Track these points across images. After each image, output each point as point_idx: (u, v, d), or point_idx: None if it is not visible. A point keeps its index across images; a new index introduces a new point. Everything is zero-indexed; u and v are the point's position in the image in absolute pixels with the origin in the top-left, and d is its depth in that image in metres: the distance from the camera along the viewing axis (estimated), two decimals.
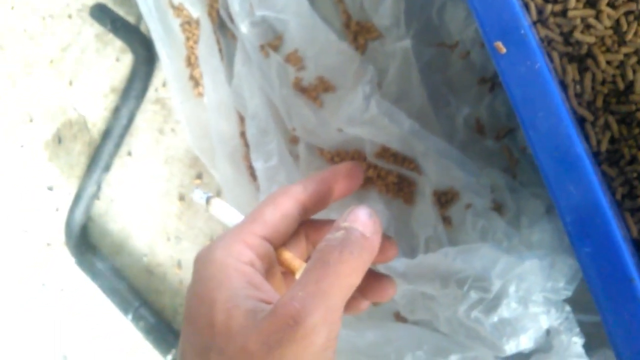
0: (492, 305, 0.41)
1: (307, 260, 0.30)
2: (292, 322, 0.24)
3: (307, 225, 0.35)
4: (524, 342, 0.41)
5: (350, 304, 0.34)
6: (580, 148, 0.33)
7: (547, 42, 0.43)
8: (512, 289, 0.41)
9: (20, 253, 0.86)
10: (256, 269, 0.29)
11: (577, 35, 0.41)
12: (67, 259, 0.80)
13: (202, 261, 0.29)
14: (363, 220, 0.28)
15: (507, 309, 0.41)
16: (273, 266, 0.31)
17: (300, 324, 0.24)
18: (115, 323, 0.77)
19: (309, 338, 0.24)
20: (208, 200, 0.34)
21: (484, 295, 0.41)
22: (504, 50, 0.36)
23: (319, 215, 0.35)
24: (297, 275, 0.30)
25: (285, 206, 0.31)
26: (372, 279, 0.34)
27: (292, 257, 0.32)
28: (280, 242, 0.32)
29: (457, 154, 0.49)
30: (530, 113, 0.34)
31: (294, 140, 0.60)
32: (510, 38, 0.35)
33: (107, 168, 0.75)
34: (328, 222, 0.34)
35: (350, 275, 0.26)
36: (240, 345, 0.25)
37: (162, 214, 0.72)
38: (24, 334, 0.86)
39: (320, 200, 0.33)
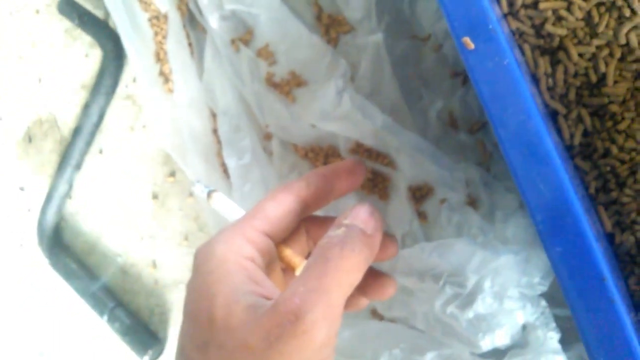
0: (468, 300, 0.41)
1: (307, 256, 0.30)
2: (293, 317, 0.24)
3: (308, 221, 0.34)
4: (500, 337, 0.41)
5: (349, 302, 0.33)
6: (550, 145, 0.32)
7: (519, 35, 0.42)
8: (487, 284, 0.41)
9: None
10: (257, 264, 0.29)
11: (549, 27, 0.41)
12: (40, 260, 0.79)
13: (202, 256, 0.29)
14: (364, 218, 0.28)
15: (482, 305, 0.41)
16: (274, 262, 0.31)
17: (300, 319, 0.24)
18: (91, 323, 0.75)
19: (309, 334, 0.24)
20: (209, 194, 0.34)
21: (459, 291, 0.41)
22: (472, 46, 0.35)
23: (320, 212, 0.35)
24: (298, 272, 0.30)
25: (286, 202, 0.31)
26: (373, 277, 0.34)
27: (292, 253, 0.32)
28: (281, 238, 0.32)
29: (431, 149, 0.48)
30: (499, 110, 0.34)
31: (267, 137, 0.59)
32: (478, 33, 0.35)
33: (78, 166, 0.74)
34: (329, 219, 0.34)
35: (351, 272, 0.26)
36: (240, 340, 0.25)
37: (136, 212, 0.71)
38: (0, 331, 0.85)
39: (322, 197, 0.33)
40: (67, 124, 0.76)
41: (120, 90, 0.72)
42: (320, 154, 0.55)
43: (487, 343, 0.41)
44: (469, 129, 0.52)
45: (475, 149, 0.52)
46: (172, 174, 0.69)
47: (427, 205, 0.49)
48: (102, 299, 0.70)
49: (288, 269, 0.32)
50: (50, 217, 0.75)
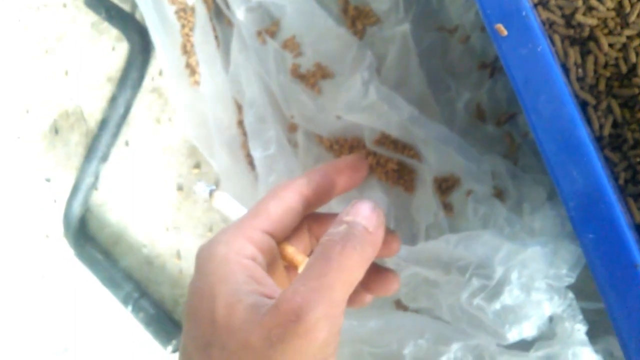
0: (495, 292, 0.41)
1: (310, 254, 0.30)
2: (295, 317, 0.24)
3: (310, 218, 0.34)
4: (527, 329, 0.41)
5: (353, 298, 0.33)
6: (583, 132, 0.32)
7: (549, 25, 0.42)
8: (514, 276, 0.41)
9: (18, 245, 0.86)
10: (258, 263, 0.29)
11: (579, 17, 0.40)
12: (66, 251, 0.80)
13: (203, 256, 0.29)
14: (366, 214, 0.28)
15: (509, 296, 0.41)
16: (275, 260, 0.31)
17: (302, 318, 0.24)
18: (115, 314, 0.76)
19: (311, 333, 0.24)
20: (211, 193, 0.34)
21: (486, 283, 0.41)
22: (505, 33, 0.35)
23: (322, 209, 0.35)
24: (300, 270, 0.30)
25: (288, 200, 0.31)
26: (376, 272, 0.34)
27: (294, 251, 0.31)
28: (283, 236, 0.31)
29: (458, 140, 0.48)
30: (532, 97, 0.33)
31: (292, 128, 0.59)
32: (511, 20, 0.35)
33: (104, 158, 0.75)
34: (331, 216, 0.34)
35: (353, 269, 0.26)
36: (242, 341, 0.25)
37: (161, 204, 0.72)
38: (24, 326, 0.86)
39: (324, 193, 0.32)
40: (94, 117, 0.78)
41: (147, 83, 0.73)
42: (345, 145, 0.55)
43: (514, 334, 0.41)
44: (497, 120, 0.52)
45: (503, 141, 0.51)
46: (197, 165, 0.69)
47: (453, 197, 0.49)
48: (127, 289, 0.71)
49: (290, 267, 0.32)
50: (76, 209, 0.76)
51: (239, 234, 0.29)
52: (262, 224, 0.30)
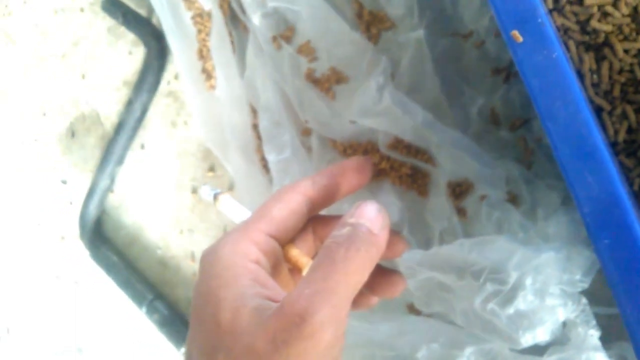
0: (509, 297, 0.41)
1: (314, 256, 0.30)
2: (299, 320, 0.24)
3: (315, 220, 0.34)
4: (541, 334, 0.41)
5: (359, 300, 0.34)
6: (598, 138, 0.32)
7: (564, 31, 0.42)
8: (528, 281, 0.41)
9: (34, 246, 0.87)
10: (262, 266, 0.29)
11: (594, 23, 0.41)
12: (81, 252, 0.81)
13: (208, 260, 0.29)
14: (370, 216, 0.28)
15: (523, 301, 0.41)
16: (280, 263, 0.31)
17: (307, 321, 0.24)
18: (129, 315, 0.77)
19: (315, 336, 0.24)
20: (216, 196, 0.35)
21: (500, 288, 0.41)
22: (520, 39, 0.35)
23: (328, 211, 0.35)
24: (304, 272, 0.30)
25: (292, 202, 0.31)
26: (381, 274, 0.34)
27: (299, 253, 0.31)
28: (287, 239, 0.31)
29: (472, 145, 0.48)
30: (548, 103, 0.34)
31: (306, 132, 0.60)
32: (526, 27, 0.35)
33: (120, 161, 0.76)
34: (336, 218, 0.34)
35: (357, 272, 0.26)
36: (247, 345, 0.25)
37: (175, 206, 0.72)
38: (39, 326, 0.87)
39: (329, 195, 0.32)
40: (110, 120, 0.79)
41: (163, 86, 0.74)
42: (358, 149, 0.56)
43: (527, 339, 0.41)
44: (511, 125, 0.52)
45: (517, 146, 0.51)
46: (212, 168, 0.70)
47: (466, 202, 0.50)
48: (142, 290, 0.72)
49: (295, 269, 0.32)
50: (92, 211, 0.77)
51: (243, 237, 0.29)
52: (266, 227, 0.30)
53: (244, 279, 0.27)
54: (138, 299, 0.72)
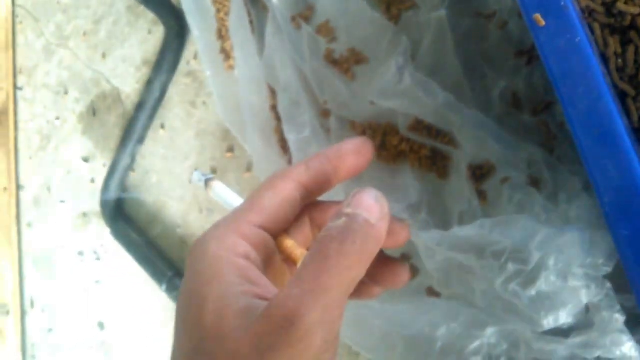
0: (531, 278, 0.40)
1: (310, 247, 0.28)
2: (287, 323, 0.22)
3: (312, 207, 0.32)
4: (563, 316, 0.40)
5: (361, 290, 0.31)
6: (621, 126, 0.32)
7: (588, 13, 0.41)
8: (551, 261, 0.40)
9: (56, 222, 0.89)
10: (252, 261, 0.27)
11: (620, 5, 0.40)
12: (102, 230, 0.82)
13: (194, 254, 0.27)
14: (368, 205, 0.25)
15: (545, 282, 0.40)
16: (273, 256, 0.29)
17: (294, 325, 0.22)
18: (149, 292, 0.78)
19: (304, 341, 0.22)
20: (207, 182, 0.33)
21: (522, 268, 0.40)
22: (542, 22, 0.34)
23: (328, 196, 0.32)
24: (299, 265, 0.29)
25: (285, 191, 0.29)
26: (383, 263, 0.31)
27: (293, 245, 0.29)
28: (280, 229, 0.29)
29: (494, 127, 0.48)
30: (570, 89, 0.33)
31: (325, 114, 0.59)
32: (549, 10, 0.34)
33: (140, 140, 0.76)
34: (335, 204, 0.32)
35: (352, 268, 0.24)
36: (231, 350, 0.23)
37: (195, 186, 0.73)
38: (61, 302, 0.89)
39: (325, 181, 0.30)
40: (130, 99, 0.79)
41: (182, 66, 0.74)
42: (378, 131, 0.56)
43: (549, 322, 0.41)
44: (533, 109, 0.51)
45: (539, 131, 0.51)
46: (231, 149, 0.70)
47: (487, 185, 0.49)
48: (162, 268, 0.73)
49: (290, 261, 0.30)
50: (113, 189, 0.78)
51: (231, 230, 0.27)
52: (256, 218, 0.28)
53: (231, 276, 0.25)
54: (158, 276, 0.74)
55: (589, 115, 0.32)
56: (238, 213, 0.28)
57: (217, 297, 0.24)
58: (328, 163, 0.30)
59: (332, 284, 0.23)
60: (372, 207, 0.25)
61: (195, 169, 0.33)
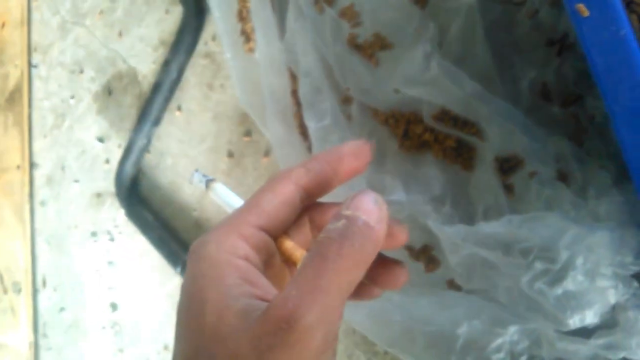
0: (558, 277, 0.40)
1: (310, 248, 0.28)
2: (285, 325, 0.22)
3: (312, 209, 0.32)
4: (589, 316, 0.40)
5: (361, 291, 0.32)
6: None
7: (627, 4, 0.40)
8: (579, 261, 0.39)
9: (70, 202, 0.88)
10: (252, 263, 0.27)
11: None
12: (116, 210, 0.82)
13: (194, 256, 0.27)
14: (367, 208, 0.25)
15: (572, 282, 0.39)
16: (273, 258, 0.29)
17: (293, 326, 0.22)
18: (163, 274, 0.78)
19: (303, 342, 0.22)
20: (208, 184, 0.33)
21: (549, 267, 0.40)
22: (586, 13, 0.33)
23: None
24: (299, 266, 0.27)
25: (284, 192, 0.29)
26: (383, 265, 0.31)
27: (293, 246, 0.30)
28: (280, 231, 0.29)
29: (523, 119, 0.47)
30: (613, 83, 0.32)
31: (346, 100, 0.58)
32: (593, 0, 0.33)
33: (156, 122, 0.75)
34: (334, 205, 0.32)
35: (351, 270, 0.24)
36: (231, 350, 0.23)
37: (211, 169, 0.72)
38: (74, 282, 0.89)
39: (324, 183, 0.30)
40: (147, 79, 0.78)
41: (200, 47, 0.73)
42: (401, 120, 0.54)
43: (575, 321, 0.40)
44: (562, 101, 0.50)
45: (568, 123, 0.49)
46: (248, 133, 0.69)
47: (514, 178, 0.48)
48: (176, 250, 0.73)
49: (289, 263, 0.30)
50: (129, 170, 0.77)
51: (231, 231, 0.27)
52: (256, 219, 0.28)
53: (231, 278, 0.25)
54: (173, 258, 0.73)
55: (633, 110, 0.31)
56: (238, 215, 0.28)
57: (217, 299, 0.25)
58: (327, 165, 0.30)
59: (331, 285, 0.23)
60: (371, 209, 0.25)
61: (195, 170, 0.33)
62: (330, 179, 0.30)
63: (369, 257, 0.25)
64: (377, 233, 0.25)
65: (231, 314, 0.24)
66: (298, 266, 0.27)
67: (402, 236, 0.31)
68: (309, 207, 0.31)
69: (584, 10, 0.33)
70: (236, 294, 0.25)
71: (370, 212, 0.25)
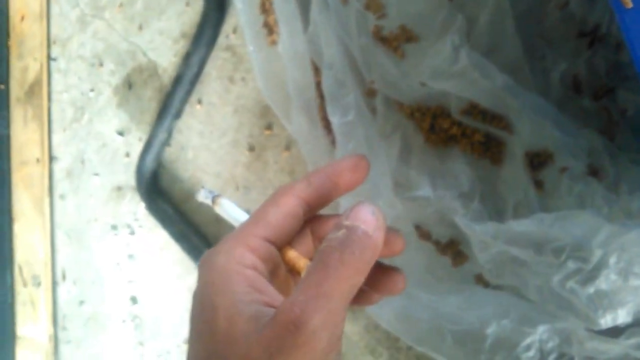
0: (590, 276, 0.39)
1: (312, 258, 0.29)
2: (293, 327, 0.24)
3: (313, 221, 0.34)
4: (622, 316, 0.39)
5: (361, 297, 0.33)
6: None
7: None
8: (612, 259, 0.39)
9: (90, 195, 0.89)
10: (259, 272, 0.28)
11: None
12: (137, 204, 0.82)
13: (205, 266, 0.28)
14: (365, 218, 0.27)
15: (605, 281, 0.39)
16: (278, 267, 0.31)
17: (300, 329, 0.24)
18: (184, 268, 0.78)
19: (310, 343, 0.24)
20: (214, 199, 0.34)
21: (582, 266, 0.39)
22: (630, 4, 0.32)
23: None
24: (303, 275, 0.29)
25: (288, 205, 0.30)
26: (381, 272, 0.33)
27: (297, 256, 0.31)
28: (284, 242, 0.31)
29: (554, 112, 0.45)
30: None
31: (371, 93, 0.57)
32: None
33: (177, 115, 0.75)
34: (333, 217, 0.34)
35: (352, 276, 0.26)
36: (242, 354, 0.25)
37: (232, 163, 0.72)
38: (93, 275, 0.89)
39: (325, 196, 0.32)
40: (167, 73, 0.78)
41: (221, 40, 0.72)
42: (427, 114, 0.53)
43: (607, 320, 0.39)
44: (594, 94, 0.49)
45: (599, 117, 0.48)
46: (270, 127, 0.69)
47: (544, 174, 0.47)
48: (197, 244, 0.72)
49: (294, 272, 0.32)
50: (149, 163, 0.77)
51: (239, 242, 0.28)
52: (262, 231, 0.29)
53: (240, 286, 0.27)
54: (194, 252, 0.73)
55: None
56: (245, 227, 0.30)
57: (228, 306, 0.26)
58: (327, 179, 0.32)
59: (334, 290, 0.25)
60: (369, 219, 0.27)
61: (202, 187, 0.34)
62: (331, 192, 0.32)
63: (369, 264, 0.26)
64: (376, 241, 0.27)
65: (242, 320, 0.25)
66: (302, 274, 0.30)
67: (399, 243, 0.32)
68: (310, 219, 0.33)
69: (627, 1, 0.32)
70: (246, 301, 0.26)
71: (369, 222, 0.27)
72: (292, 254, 0.31)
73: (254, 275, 0.28)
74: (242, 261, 0.28)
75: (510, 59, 0.48)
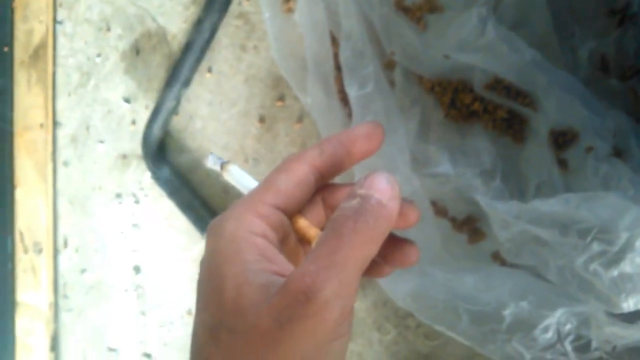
0: (615, 259, 0.38)
1: (324, 227, 0.28)
2: (304, 297, 0.23)
3: (325, 189, 0.33)
4: None
5: (372, 269, 0.33)
6: None
7: None
8: (638, 243, 0.38)
9: (94, 163, 0.87)
10: (269, 240, 0.28)
11: None
12: (142, 172, 0.81)
13: (213, 233, 0.28)
14: (380, 187, 0.26)
15: (630, 264, 0.38)
16: (288, 236, 0.30)
17: (311, 299, 0.23)
18: (189, 238, 0.77)
19: (321, 314, 0.23)
20: (223, 166, 0.33)
21: (607, 248, 0.38)
22: None
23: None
24: (314, 244, 0.28)
25: (299, 173, 0.30)
26: (394, 244, 0.32)
27: (307, 225, 0.31)
28: (295, 210, 0.30)
29: (583, 91, 0.44)
30: None
31: (390, 65, 0.56)
32: None
33: (186, 83, 0.73)
34: (346, 186, 0.33)
35: (366, 246, 0.25)
36: (251, 322, 0.24)
37: (241, 134, 0.70)
38: (97, 243, 0.88)
39: (338, 164, 0.31)
40: (177, 39, 0.76)
41: (233, 7, 0.70)
42: (448, 88, 0.52)
43: (629, 304, 0.38)
44: (621, 74, 0.47)
45: (626, 97, 0.47)
46: (282, 98, 0.67)
47: (569, 153, 0.46)
48: (204, 215, 0.71)
49: (304, 241, 0.31)
50: (156, 132, 0.75)
51: (249, 210, 0.28)
52: (272, 198, 0.29)
53: (249, 254, 0.26)
54: (200, 223, 0.72)
55: None
56: (255, 194, 0.29)
57: (237, 274, 0.26)
58: (341, 147, 0.31)
59: (346, 260, 0.24)
60: (384, 188, 0.26)
61: (210, 153, 0.33)
62: (344, 160, 0.31)
63: (383, 234, 0.26)
64: (390, 210, 0.26)
65: (251, 289, 0.25)
66: (313, 243, 0.29)
67: (414, 215, 0.31)
68: (322, 187, 0.32)
69: None
70: (255, 270, 0.26)
71: (383, 191, 0.26)
72: (303, 223, 0.31)
73: (263, 244, 0.27)
74: (251, 229, 0.27)
75: (538, 34, 0.47)
